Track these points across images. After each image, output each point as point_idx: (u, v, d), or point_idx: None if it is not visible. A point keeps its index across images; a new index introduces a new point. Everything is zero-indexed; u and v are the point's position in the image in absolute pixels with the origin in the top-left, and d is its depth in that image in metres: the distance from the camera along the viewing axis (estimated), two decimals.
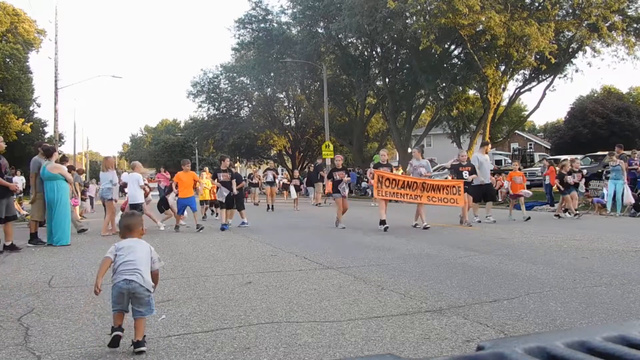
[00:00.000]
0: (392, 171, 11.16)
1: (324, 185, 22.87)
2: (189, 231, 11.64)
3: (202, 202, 14.69)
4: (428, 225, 10.33)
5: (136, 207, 11.17)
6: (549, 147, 41.08)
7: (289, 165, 45.82)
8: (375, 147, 40.82)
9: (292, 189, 22.04)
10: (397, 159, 33.16)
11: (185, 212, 12.73)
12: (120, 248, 3.44)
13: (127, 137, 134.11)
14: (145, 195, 11.89)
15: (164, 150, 65.73)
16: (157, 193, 24.07)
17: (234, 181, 11.83)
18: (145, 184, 11.89)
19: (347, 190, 11.40)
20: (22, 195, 19.18)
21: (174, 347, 3.33)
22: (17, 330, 3.79)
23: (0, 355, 3.24)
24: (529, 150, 41.53)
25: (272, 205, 18.74)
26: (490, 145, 12.83)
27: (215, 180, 11.84)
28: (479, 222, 11.57)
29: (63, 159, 10.24)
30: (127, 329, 3.38)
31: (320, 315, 4.02)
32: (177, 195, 12.22)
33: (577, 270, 5.65)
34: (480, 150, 12.78)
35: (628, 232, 9.41)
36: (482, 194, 12.03)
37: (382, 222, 10.20)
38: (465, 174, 11.19)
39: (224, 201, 11.52)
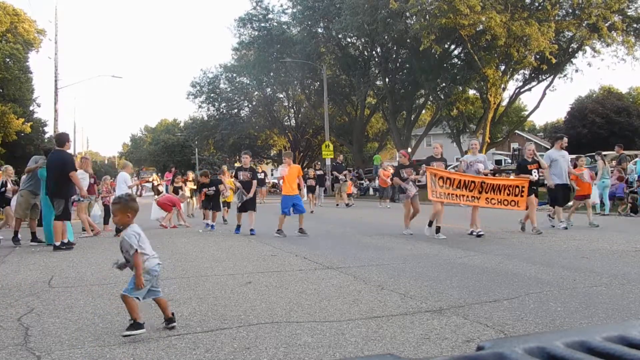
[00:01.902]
0: (446, 167, 9.83)
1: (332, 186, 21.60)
2: (189, 231, 11.64)
3: (224, 204, 13.71)
4: (482, 233, 9.00)
5: None
6: (549, 147, 41.06)
7: None
8: (376, 147, 40.84)
9: (304, 190, 20.92)
10: (397, 158, 33.16)
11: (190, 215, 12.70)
12: (139, 234, 3.64)
13: (127, 137, 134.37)
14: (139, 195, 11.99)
15: (164, 150, 65.76)
16: (165, 192, 24.05)
17: (254, 182, 10.80)
18: (131, 185, 11.84)
19: (414, 191, 9.80)
20: None
21: (174, 347, 3.33)
22: (17, 330, 3.79)
23: (0, 355, 3.24)
24: None
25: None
26: (566, 140, 10.55)
27: (235, 180, 10.84)
28: (565, 228, 9.85)
29: None
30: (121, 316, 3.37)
31: (320, 315, 4.02)
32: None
33: (577, 270, 5.64)
34: (555, 145, 10.73)
35: (628, 232, 9.41)
36: (562, 196, 10.23)
37: (438, 230, 9.02)
38: (535, 172, 9.60)
39: (239, 204, 10.55)
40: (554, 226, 10.25)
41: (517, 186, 9.30)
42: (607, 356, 0.62)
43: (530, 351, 0.62)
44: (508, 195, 9.24)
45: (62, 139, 9.17)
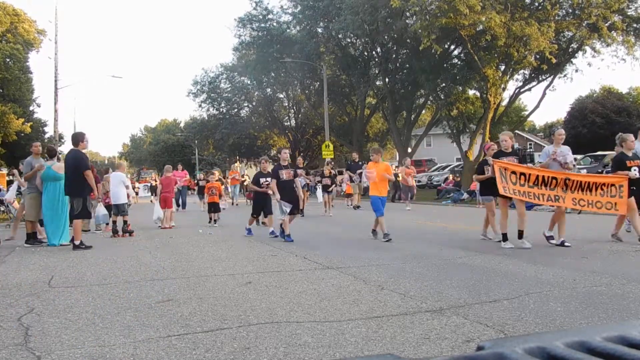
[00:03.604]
0: (520, 162, 8.10)
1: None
2: (189, 231, 11.63)
3: None
4: (568, 244, 7.47)
5: (119, 207, 11.11)
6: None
7: None
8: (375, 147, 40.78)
9: (318, 191, 19.15)
10: (397, 158, 33.14)
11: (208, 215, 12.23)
12: None
13: (127, 137, 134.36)
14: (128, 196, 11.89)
15: (164, 150, 65.80)
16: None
17: (297, 180, 9.51)
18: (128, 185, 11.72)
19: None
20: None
21: (174, 347, 3.33)
22: (17, 330, 3.79)
23: (0, 355, 3.24)
24: (529, 150, 41.52)
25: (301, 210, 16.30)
26: None
27: (271, 182, 9.20)
28: None
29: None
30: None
31: (320, 315, 4.02)
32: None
33: (577, 270, 5.65)
34: (638, 136, 8.78)
35: (628, 232, 9.39)
36: None
37: (504, 238, 7.65)
38: (635, 170, 7.88)
39: (287, 211, 8.94)
40: (629, 231, 8.65)
41: (614, 185, 7.68)
42: (607, 356, 0.62)
43: (530, 351, 0.62)
44: (602, 196, 7.64)
45: (76, 138, 9.26)
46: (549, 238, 7.87)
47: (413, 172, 19.31)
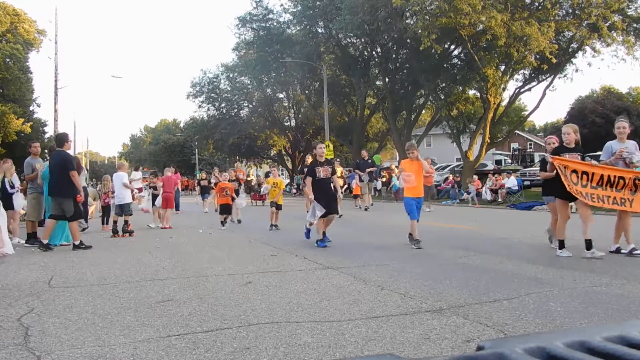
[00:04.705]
0: (583, 159, 7.03)
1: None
2: (189, 231, 11.63)
3: (276, 206, 11.67)
4: (638, 250, 6.65)
5: (122, 207, 11.07)
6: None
7: (289, 165, 45.88)
8: (375, 147, 40.85)
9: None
10: (397, 158, 33.15)
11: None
12: None
13: (127, 137, 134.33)
14: (133, 197, 11.83)
15: (164, 150, 65.84)
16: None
17: (335, 177, 8.80)
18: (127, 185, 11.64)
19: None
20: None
21: (174, 347, 3.33)
22: (17, 330, 3.79)
23: (0, 355, 3.24)
24: (528, 150, 41.51)
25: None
26: None
27: (307, 181, 8.52)
28: None
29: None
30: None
31: (320, 315, 4.02)
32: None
33: (577, 270, 5.65)
34: None
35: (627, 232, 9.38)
36: None
37: (562, 245, 6.75)
38: None
39: (319, 215, 8.24)
40: None
41: None
42: (607, 356, 0.62)
43: (530, 351, 0.62)
44: None
45: (61, 139, 9.24)
46: (617, 250, 6.88)
47: (434, 172, 19.02)
